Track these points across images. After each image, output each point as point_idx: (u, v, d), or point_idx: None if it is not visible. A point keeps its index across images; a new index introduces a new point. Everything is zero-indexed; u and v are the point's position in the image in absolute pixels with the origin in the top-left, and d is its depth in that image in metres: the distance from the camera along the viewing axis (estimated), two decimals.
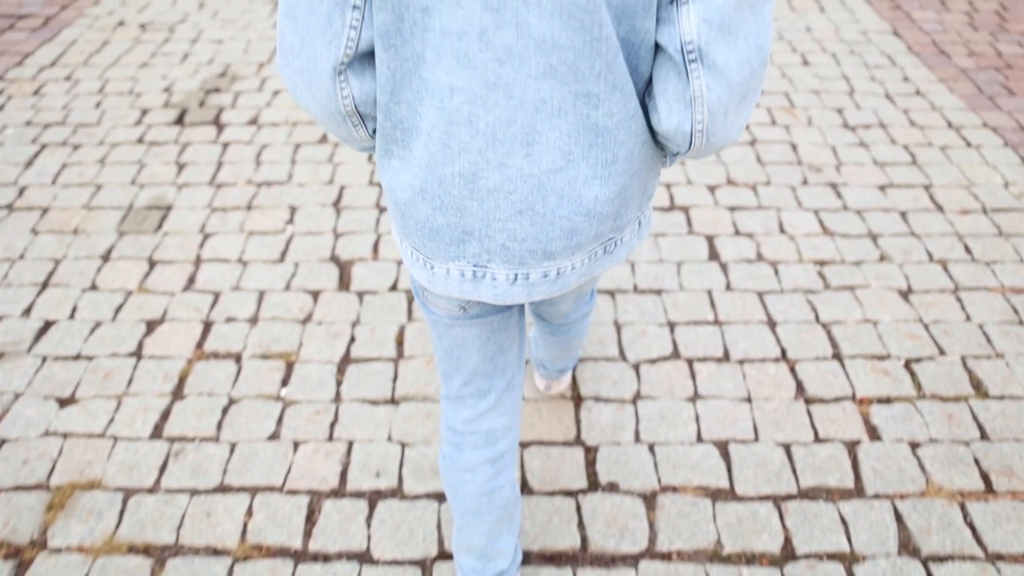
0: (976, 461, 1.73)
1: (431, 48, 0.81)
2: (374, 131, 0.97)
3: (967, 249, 2.32)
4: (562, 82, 0.82)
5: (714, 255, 2.29)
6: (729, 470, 1.73)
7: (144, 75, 3.24)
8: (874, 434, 1.80)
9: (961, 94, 3.08)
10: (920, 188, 2.57)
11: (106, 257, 2.30)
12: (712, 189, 2.55)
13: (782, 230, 2.39)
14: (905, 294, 2.16)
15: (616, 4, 0.79)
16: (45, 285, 2.21)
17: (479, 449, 1.26)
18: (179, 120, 2.94)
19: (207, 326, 2.08)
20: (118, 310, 2.12)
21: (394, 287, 2.19)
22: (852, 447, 1.77)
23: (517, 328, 1.21)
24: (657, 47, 0.85)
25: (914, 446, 1.77)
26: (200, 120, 2.94)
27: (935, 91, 3.10)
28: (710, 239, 2.35)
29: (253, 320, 2.09)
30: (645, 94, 0.89)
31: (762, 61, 0.83)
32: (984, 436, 1.79)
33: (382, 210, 2.47)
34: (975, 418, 1.83)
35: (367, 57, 0.89)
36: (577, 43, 0.79)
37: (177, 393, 1.90)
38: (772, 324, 2.07)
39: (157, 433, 1.81)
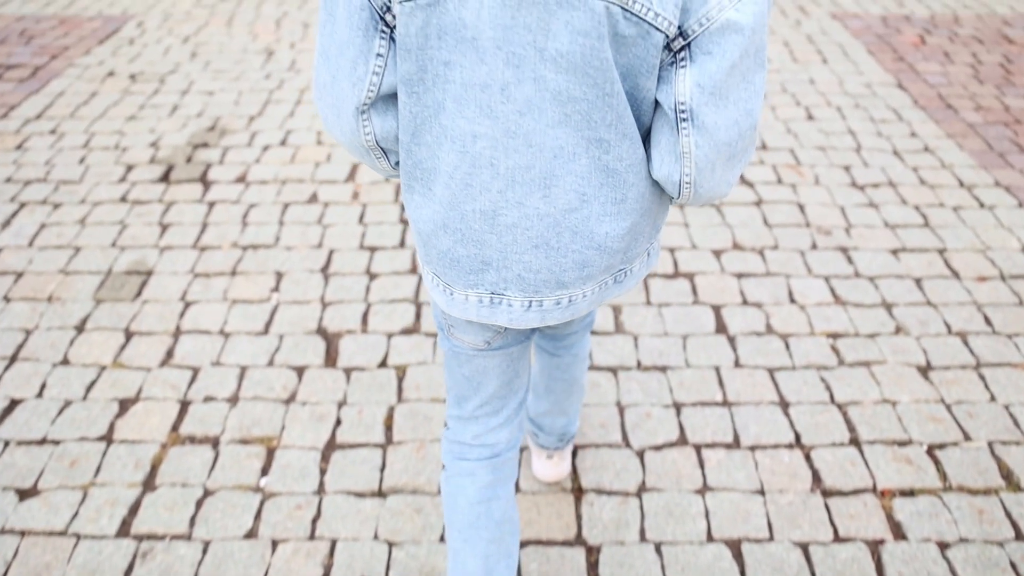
0: (1013, 565, 1.60)
1: (451, 98, 0.89)
2: (397, 163, 1.04)
3: (987, 320, 2.21)
4: (576, 129, 0.89)
5: (721, 327, 2.18)
6: (742, 574, 1.59)
7: (131, 128, 3.16)
8: (899, 532, 1.66)
9: (971, 150, 3.00)
10: (934, 252, 2.46)
11: (80, 328, 2.18)
12: (718, 254, 2.45)
13: (792, 299, 2.28)
14: (924, 370, 2.05)
15: (623, 63, 0.85)
16: (13, 359, 2.08)
17: (482, 459, 1.30)
18: (164, 177, 2.84)
19: (184, 406, 1.95)
20: (90, 387, 2.00)
21: (383, 363, 2.06)
22: (875, 547, 1.64)
23: (528, 352, 1.28)
24: (656, 102, 0.92)
25: (943, 547, 1.64)
26: (186, 177, 2.84)
27: (944, 147, 3.02)
28: (716, 309, 2.24)
29: (233, 400, 1.96)
30: (645, 142, 0.97)
31: (751, 125, 0.90)
32: (1019, 536, 1.65)
33: (372, 277, 2.36)
34: (1008, 514, 1.70)
35: (390, 98, 0.96)
36: (590, 96, 0.86)
37: (148, 483, 1.77)
38: (784, 405, 1.95)
39: (124, 530, 1.67)
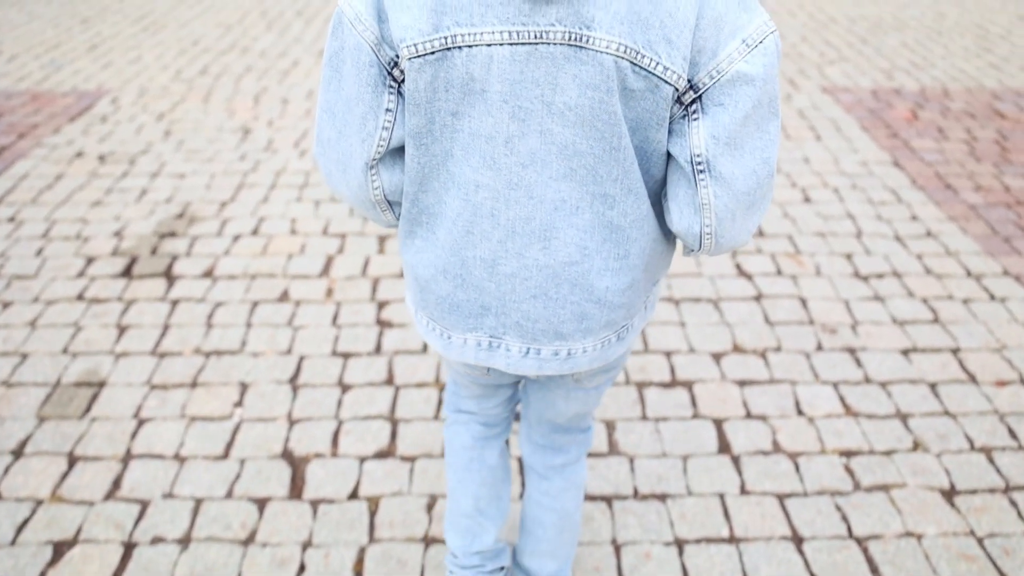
0: None
1: (459, 146, 0.90)
2: (399, 215, 1.04)
3: (1011, 433, 2.04)
4: (581, 184, 0.90)
5: (724, 446, 1.99)
6: None
7: (95, 215, 2.99)
8: None
9: (975, 235, 2.88)
10: (947, 352, 2.31)
11: (18, 452, 1.97)
12: (717, 358, 2.28)
13: (799, 411, 2.10)
14: (949, 495, 1.86)
15: (632, 117, 0.86)
16: None
17: (476, 419, 1.42)
18: (127, 271, 2.67)
19: (128, 549, 1.73)
20: (21, 528, 1.78)
21: (354, 494, 1.86)
22: None
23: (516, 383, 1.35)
24: (669, 155, 0.91)
25: None
26: (150, 271, 2.67)
27: (947, 232, 2.90)
28: (718, 424, 2.06)
29: (184, 540, 1.75)
30: (660, 195, 0.97)
31: (769, 173, 0.90)
32: None
33: (344, 388, 2.17)
34: None
35: (397, 152, 0.97)
36: (597, 151, 0.87)
37: None
38: (798, 540, 1.76)
39: None
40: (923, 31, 5.26)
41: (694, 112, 0.86)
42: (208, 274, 2.65)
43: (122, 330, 2.39)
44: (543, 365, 1.03)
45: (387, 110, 0.91)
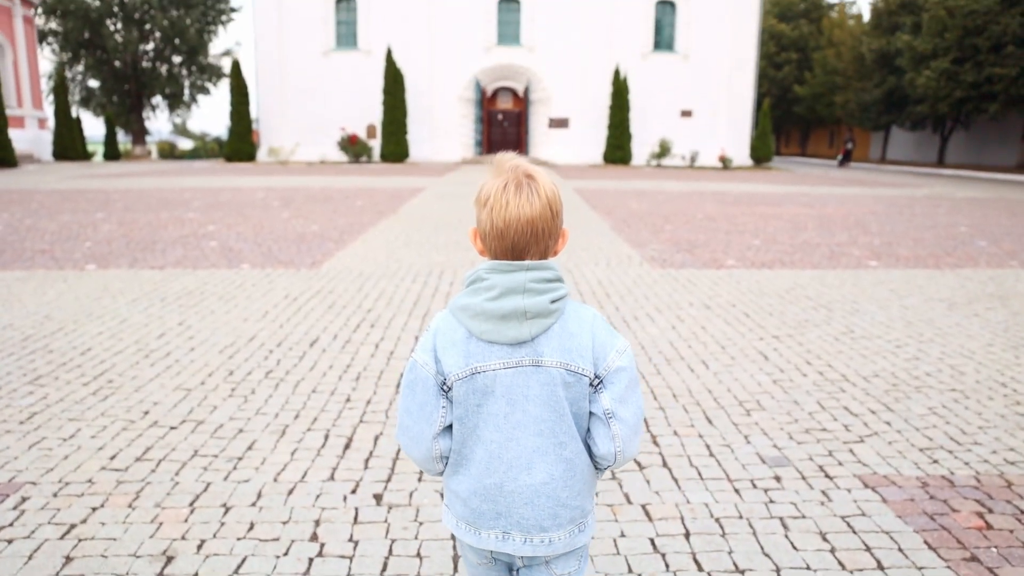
0: None
1: (481, 421, 1.66)
2: (445, 465, 1.75)
3: None
4: (546, 437, 1.65)
5: None
6: None
7: None
8: None
9: None
10: None
11: None
12: None
13: None
14: None
15: (570, 397, 1.65)
16: None
17: None
18: None
19: None
20: None
21: None
22: None
23: None
24: (591, 412, 1.69)
25: None
26: None
27: None
28: None
29: None
30: (587, 435, 1.71)
31: (641, 414, 1.68)
32: None
33: None
34: None
35: (448, 428, 1.70)
36: (552, 418, 1.65)
37: None
38: None
39: None
40: (947, 393, 4.85)
41: (599, 388, 1.66)
42: None
43: None
44: (535, 549, 1.69)
45: (443, 407, 1.66)
